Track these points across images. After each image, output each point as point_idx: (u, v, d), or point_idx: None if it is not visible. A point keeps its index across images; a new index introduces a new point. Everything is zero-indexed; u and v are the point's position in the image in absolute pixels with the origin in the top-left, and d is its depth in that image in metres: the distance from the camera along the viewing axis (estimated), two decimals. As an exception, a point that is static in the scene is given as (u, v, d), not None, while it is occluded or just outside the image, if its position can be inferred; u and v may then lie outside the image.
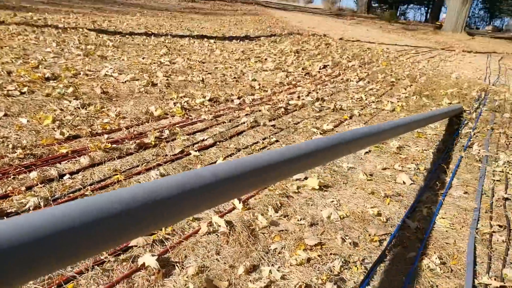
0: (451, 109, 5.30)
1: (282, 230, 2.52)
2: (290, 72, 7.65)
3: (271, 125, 4.39)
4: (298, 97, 5.85)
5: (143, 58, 7.12)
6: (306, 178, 3.23)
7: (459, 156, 4.11)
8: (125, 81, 5.38)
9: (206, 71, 6.79)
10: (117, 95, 4.78)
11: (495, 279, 2.26)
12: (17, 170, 2.74)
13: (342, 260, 2.26)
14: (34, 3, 13.39)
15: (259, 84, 6.28)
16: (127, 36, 9.44)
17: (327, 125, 4.61)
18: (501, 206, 3.17)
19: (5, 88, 4.32)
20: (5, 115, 3.65)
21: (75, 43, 7.49)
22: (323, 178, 3.30)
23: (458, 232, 2.75)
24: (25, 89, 4.40)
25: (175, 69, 6.63)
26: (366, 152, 4.00)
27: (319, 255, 2.29)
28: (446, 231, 2.76)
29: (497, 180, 3.64)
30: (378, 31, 22.06)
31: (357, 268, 2.23)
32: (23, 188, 2.52)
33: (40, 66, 5.47)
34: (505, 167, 3.91)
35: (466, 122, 5.31)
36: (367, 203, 3.00)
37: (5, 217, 2.22)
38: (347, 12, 42.91)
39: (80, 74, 5.40)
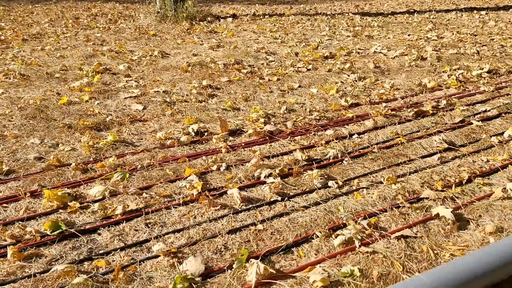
0: None
1: None
2: None
3: None
4: None
5: (408, 35, 7.09)
6: None
7: None
8: (394, 57, 5.53)
9: (480, 43, 6.22)
10: (388, 69, 4.99)
11: None
12: (316, 128, 3.30)
13: None
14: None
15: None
16: (389, 16, 9.53)
17: None
18: None
19: (295, 65, 5.14)
20: (299, 86, 4.38)
21: (344, 26, 8.10)
22: None
23: None
24: (310, 66, 5.12)
25: (444, 43, 6.35)
26: None
27: None
28: None
29: None
30: None
31: None
32: (323, 142, 3.02)
33: (318, 47, 6.22)
34: None
35: None
36: None
37: (313, 162, 2.74)
38: None
39: (352, 52, 5.87)
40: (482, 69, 4.74)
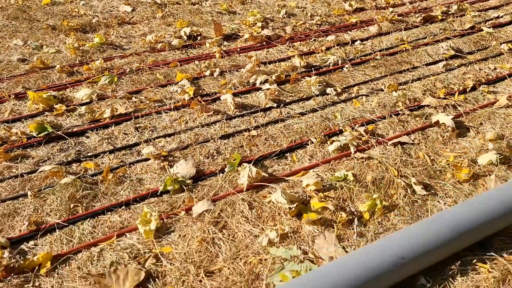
0: None
1: None
2: None
3: None
4: None
5: None
6: None
7: None
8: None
9: None
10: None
11: None
12: (316, 34, 3.10)
13: None
14: None
15: None
16: None
17: None
18: None
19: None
20: (301, -11, 4.06)
21: None
22: None
23: None
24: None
25: None
26: None
27: None
28: None
29: None
30: None
31: None
32: (323, 48, 2.85)
33: None
34: None
35: None
36: None
37: (312, 68, 2.60)
38: None
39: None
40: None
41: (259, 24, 3.21)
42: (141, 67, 2.58)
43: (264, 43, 2.96)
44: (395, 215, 1.55)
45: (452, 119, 2.04)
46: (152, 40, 2.94)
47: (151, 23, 3.29)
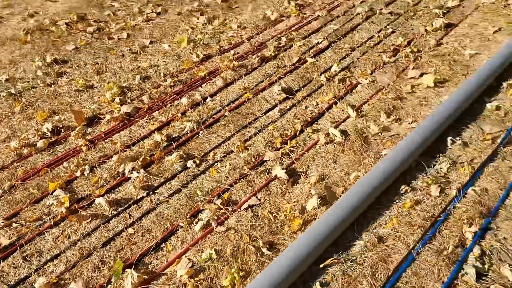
0: None
1: (394, 135, 2.80)
2: None
3: (388, 13, 4.27)
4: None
5: None
6: (422, 75, 3.30)
7: None
8: (240, -19, 5.57)
9: None
10: (235, 0, 5.07)
11: None
12: (171, 98, 3.45)
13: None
14: None
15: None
16: None
17: (452, 0, 4.27)
18: None
19: (143, 11, 4.98)
20: (151, 42, 4.34)
21: None
22: (440, 73, 3.31)
23: None
24: (159, 9, 5.00)
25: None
26: (495, 31, 3.72)
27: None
28: None
29: None
30: None
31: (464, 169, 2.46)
32: (179, 115, 3.23)
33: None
34: None
35: None
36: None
37: (172, 142, 2.97)
38: None
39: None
40: (318, -14, 5.06)
41: (117, 99, 3.46)
42: (13, 184, 2.73)
43: (125, 120, 3.25)
44: (250, 281, 2.03)
45: (285, 170, 2.58)
46: (17, 146, 3.05)
47: (11, 121, 3.37)
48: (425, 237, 2.11)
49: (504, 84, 3.06)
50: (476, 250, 2.01)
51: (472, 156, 2.55)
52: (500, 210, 2.21)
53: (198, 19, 4.66)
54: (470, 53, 3.47)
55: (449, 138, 2.66)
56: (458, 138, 2.67)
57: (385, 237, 2.13)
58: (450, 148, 2.62)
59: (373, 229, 2.19)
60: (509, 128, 2.70)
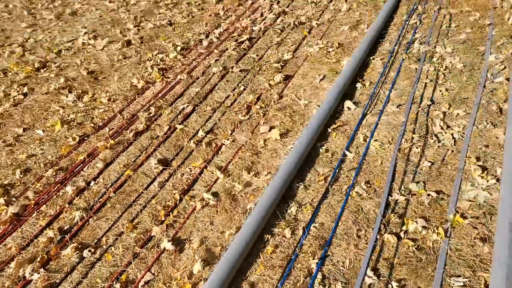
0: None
1: (255, 189, 3.49)
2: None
3: (239, 70, 5.02)
4: (262, 14, 6.22)
5: (109, 2, 7.33)
6: (270, 129, 4.06)
7: (401, 59, 4.73)
8: (102, 47, 5.89)
9: (171, 3, 7.03)
10: (101, 70, 5.40)
11: (402, 194, 3.23)
12: (56, 188, 3.72)
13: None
14: None
15: (224, 7, 6.59)
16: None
17: (288, 53, 5.19)
18: (425, 113, 3.97)
19: (9, 95, 5.03)
20: (24, 129, 4.48)
21: (42, 0, 7.66)
22: (284, 125, 4.11)
23: (386, 152, 3.65)
24: (25, 89, 5.10)
25: (142, 9, 6.92)
26: (321, 79, 4.68)
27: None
28: (377, 153, 3.65)
29: (429, 81, 4.35)
30: None
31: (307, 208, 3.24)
32: (67, 205, 3.53)
33: (25, 52, 5.98)
34: (439, 63, 4.55)
35: (416, 6, 5.67)
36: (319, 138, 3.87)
37: (65, 235, 3.28)
38: None
39: (61, 51, 5.92)
40: (176, 47, 5.64)
41: (2, 200, 3.62)
42: None
43: (15, 222, 3.44)
44: None
45: (172, 239, 3.09)
46: None
47: None
48: (284, 274, 2.81)
49: (330, 129, 3.96)
50: (319, 276, 2.77)
51: (312, 197, 3.34)
52: (333, 239, 3.01)
53: (67, 96, 4.90)
54: (304, 103, 4.35)
55: (295, 185, 3.44)
56: (301, 183, 3.46)
57: (255, 282, 2.78)
58: (297, 193, 3.40)
59: (247, 277, 2.82)
60: (335, 167, 3.57)
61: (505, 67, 4.26)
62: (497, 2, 5.25)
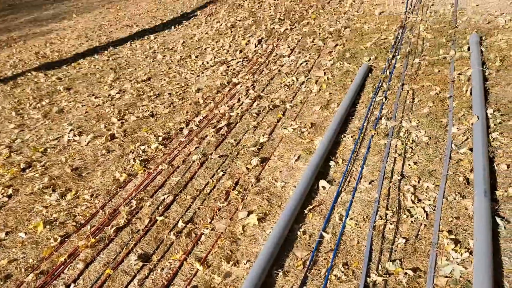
0: (359, 77, 6.05)
1: (235, 279, 3.49)
2: (229, 62, 8.22)
3: (218, 156, 5.21)
4: (239, 99, 6.57)
5: (95, 98, 7.71)
6: (249, 214, 4.13)
7: (371, 135, 4.96)
8: (87, 143, 6.11)
9: (154, 95, 7.41)
10: (85, 166, 5.56)
11: (380, 275, 3.25)
12: (36, 294, 3.68)
13: (276, 294, 3.25)
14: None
15: (203, 95, 6.96)
16: (73, 65, 9.83)
17: (264, 136, 5.42)
18: (397, 188, 4.10)
19: (-8, 198, 5.12)
20: (6, 233, 4.52)
21: (30, 100, 8.02)
22: (262, 208, 4.20)
23: (361, 230, 3.71)
24: (10, 191, 5.20)
25: (126, 103, 7.27)
26: (296, 160, 4.86)
27: None
28: (353, 232, 3.72)
29: (398, 155, 4.53)
30: None
31: (287, 297, 3.22)
32: (46, 311, 3.48)
33: (11, 153, 6.17)
34: (405, 137, 4.77)
35: (381, 83, 6.05)
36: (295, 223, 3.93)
37: None
38: None
39: (47, 150, 6.12)
40: (158, 137, 5.87)
41: (-21, 312, 3.56)
42: None
43: (-8, 334, 3.37)
44: None
45: None
46: None
47: None
48: None
49: (306, 211, 4.05)
50: None
51: (292, 283, 3.34)
52: (314, 328, 2.98)
53: (50, 196, 4.99)
54: (281, 184, 4.48)
55: (274, 272, 3.45)
56: (280, 269, 3.47)
57: None
58: (276, 280, 3.40)
59: None
60: (313, 250, 3.61)
61: (467, 138, 4.49)
62: (454, 76, 5.64)
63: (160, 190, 4.82)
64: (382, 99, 5.61)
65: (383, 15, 8.62)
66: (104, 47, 10.87)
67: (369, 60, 6.78)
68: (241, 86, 7.06)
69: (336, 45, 7.71)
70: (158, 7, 14.42)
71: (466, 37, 6.67)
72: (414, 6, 8.59)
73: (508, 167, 4.01)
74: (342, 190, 4.23)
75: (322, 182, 4.35)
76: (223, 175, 4.87)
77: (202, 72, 8.02)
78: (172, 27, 11.60)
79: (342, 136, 5.08)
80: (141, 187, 4.92)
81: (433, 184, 4.01)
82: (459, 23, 7.36)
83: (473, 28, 6.97)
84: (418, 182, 4.09)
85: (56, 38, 12.75)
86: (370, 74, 6.34)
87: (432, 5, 8.46)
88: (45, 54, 11.07)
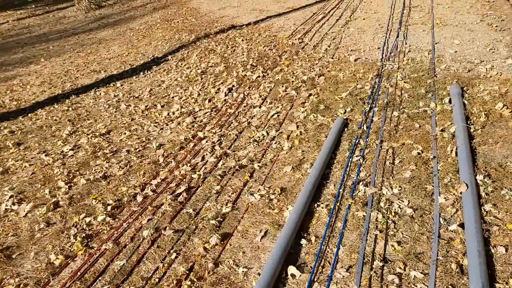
0: (334, 132, 5.50)
1: None
2: (197, 112, 7.62)
3: (172, 232, 4.47)
4: (203, 158, 5.91)
5: (46, 155, 6.95)
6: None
7: (348, 205, 4.33)
8: (26, 213, 5.31)
9: (110, 152, 6.69)
10: (18, 245, 4.73)
11: None
12: None
13: None
14: None
15: (164, 152, 6.29)
16: (30, 115, 9.10)
17: (227, 204, 4.73)
18: (379, 277, 3.43)
19: None
20: None
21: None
22: None
23: None
24: None
25: (78, 161, 6.53)
26: (263, 237, 4.16)
27: None
28: None
29: (379, 232, 3.89)
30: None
31: None
32: None
33: None
34: (387, 208, 4.15)
35: (357, 140, 5.49)
36: (257, 329, 3.19)
37: None
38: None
39: (-21, 223, 5.28)
40: (107, 206, 5.12)
41: None
42: None
43: None
44: None
45: None
46: None
47: None
48: None
49: (270, 310, 3.32)
50: None
51: None
52: None
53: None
54: (243, 271, 3.77)
55: None
56: None
57: None
58: None
59: None
60: None
61: (457, 210, 3.89)
62: (437, 132, 5.12)
63: (100, 278, 4.03)
64: (359, 159, 5.02)
65: (358, 62, 8.20)
66: (66, 95, 10.17)
67: (344, 113, 6.25)
68: (206, 141, 6.42)
69: (310, 95, 7.19)
70: (130, 51, 13.88)
71: (447, 88, 6.22)
72: (391, 53, 8.22)
73: (506, 250, 3.40)
74: (315, 279, 3.54)
75: (292, 269, 3.65)
76: (176, 257, 4.12)
77: (167, 124, 7.38)
78: (141, 72, 11.02)
79: (315, 205, 4.43)
80: (78, 273, 4.12)
81: (421, 272, 3.36)
82: (438, 71, 6.94)
83: (453, 78, 6.54)
84: (404, 269, 3.43)
85: (18, 84, 12.01)
86: (346, 129, 5.79)
87: (408, 51, 8.09)
88: (3, 103, 10.29)
